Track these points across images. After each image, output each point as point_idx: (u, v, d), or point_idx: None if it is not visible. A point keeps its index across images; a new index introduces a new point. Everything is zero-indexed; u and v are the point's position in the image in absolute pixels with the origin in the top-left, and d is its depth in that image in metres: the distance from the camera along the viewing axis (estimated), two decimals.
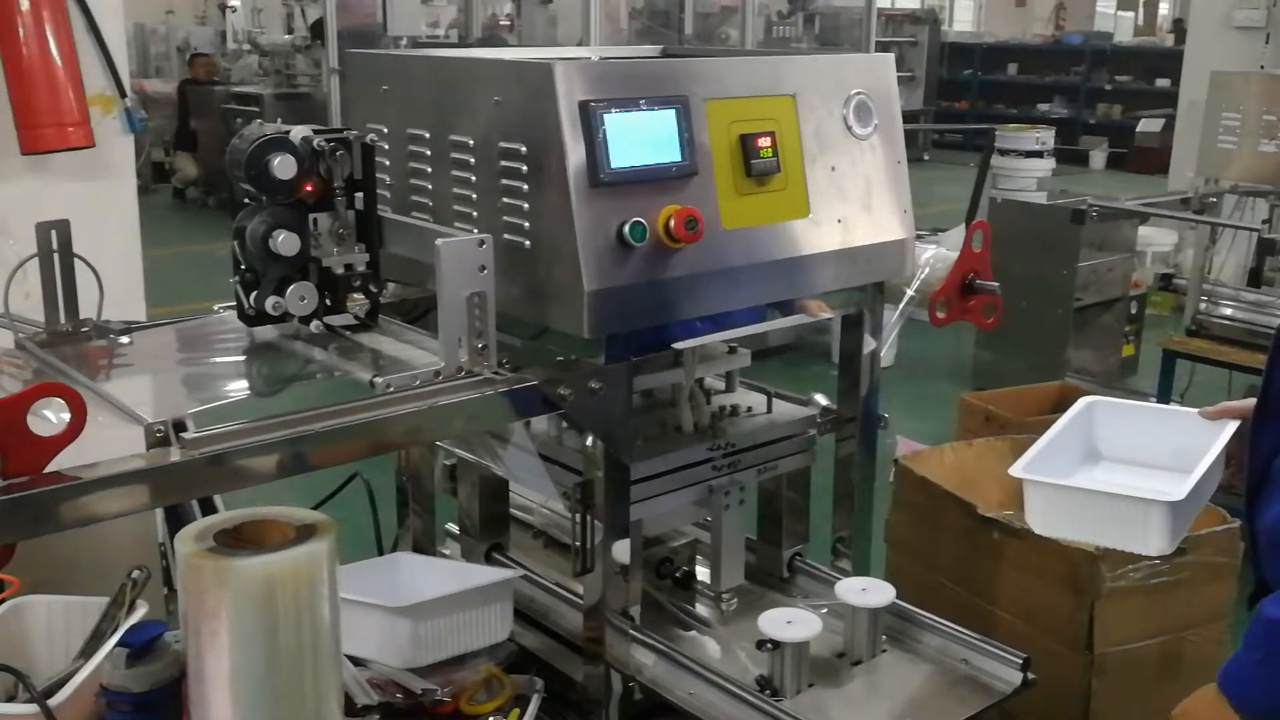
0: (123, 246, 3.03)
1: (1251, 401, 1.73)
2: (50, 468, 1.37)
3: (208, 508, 2.19)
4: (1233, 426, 1.77)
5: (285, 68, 11.83)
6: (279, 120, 1.82)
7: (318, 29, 10.36)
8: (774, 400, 2.18)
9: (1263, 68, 6.71)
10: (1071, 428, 1.89)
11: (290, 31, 12.40)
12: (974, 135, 15.33)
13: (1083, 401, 1.95)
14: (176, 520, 1.96)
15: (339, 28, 7.07)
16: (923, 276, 2.11)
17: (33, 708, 1.47)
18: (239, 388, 1.74)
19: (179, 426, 1.44)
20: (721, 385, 2.21)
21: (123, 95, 3.01)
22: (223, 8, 14.10)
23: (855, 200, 1.98)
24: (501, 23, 11.42)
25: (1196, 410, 1.84)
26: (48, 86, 2.79)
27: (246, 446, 1.43)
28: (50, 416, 1.37)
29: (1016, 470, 1.72)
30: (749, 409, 2.16)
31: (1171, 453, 1.82)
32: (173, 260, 7.72)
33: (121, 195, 3.08)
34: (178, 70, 13.40)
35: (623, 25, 9.83)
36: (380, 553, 2.35)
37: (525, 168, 1.73)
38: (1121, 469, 1.88)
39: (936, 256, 2.14)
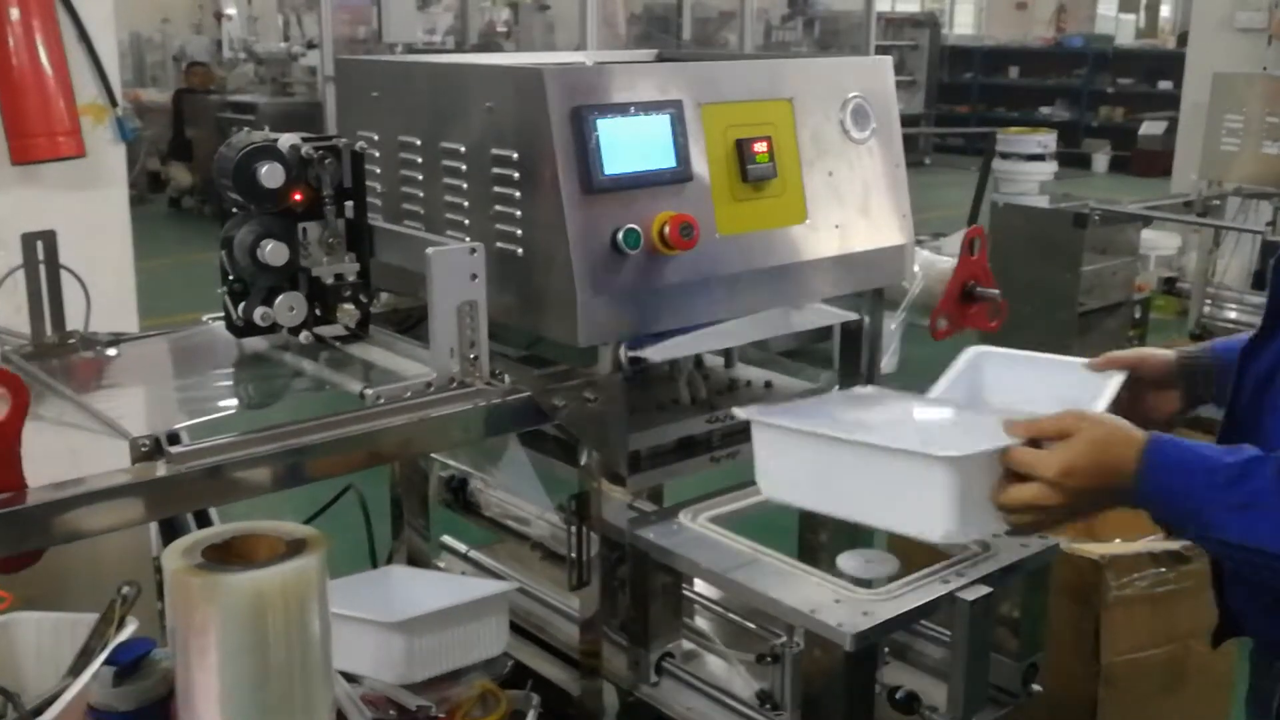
0: (115, 256, 3.01)
1: (1139, 353, 1.73)
2: (36, 482, 1.35)
3: (202, 521, 2.17)
4: (1119, 378, 1.69)
5: (281, 76, 11.84)
6: (266, 128, 1.79)
7: None
8: (775, 376, 2.17)
9: (1265, 69, 6.69)
10: (960, 381, 1.76)
11: (286, 40, 12.41)
12: (975, 139, 15.31)
13: (970, 351, 1.80)
14: (172, 534, 1.94)
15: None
16: (918, 285, 2.09)
17: None
18: (227, 400, 1.72)
19: (171, 439, 1.42)
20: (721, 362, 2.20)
21: (114, 104, 2.99)
22: (219, 16, 14.11)
23: (853, 205, 1.95)
24: (499, 29, 11.43)
25: (1083, 361, 1.76)
26: (38, 96, 2.77)
27: (233, 460, 1.41)
28: None
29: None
30: (748, 383, 2.14)
31: (1056, 404, 1.64)
32: (168, 270, 7.70)
33: (113, 205, 3.06)
34: (173, 79, 13.40)
35: (620, 31, 9.83)
36: (374, 566, 2.33)
37: (517, 175, 1.71)
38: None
39: (925, 262, 2.11)
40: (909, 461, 1.42)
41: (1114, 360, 1.72)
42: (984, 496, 1.42)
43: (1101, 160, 15.66)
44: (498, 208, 1.75)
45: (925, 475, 1.40)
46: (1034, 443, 1.42)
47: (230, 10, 13.76)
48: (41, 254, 1.82)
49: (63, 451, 1.46)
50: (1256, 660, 1.63)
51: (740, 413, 1.57)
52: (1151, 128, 14.58)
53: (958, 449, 1.41)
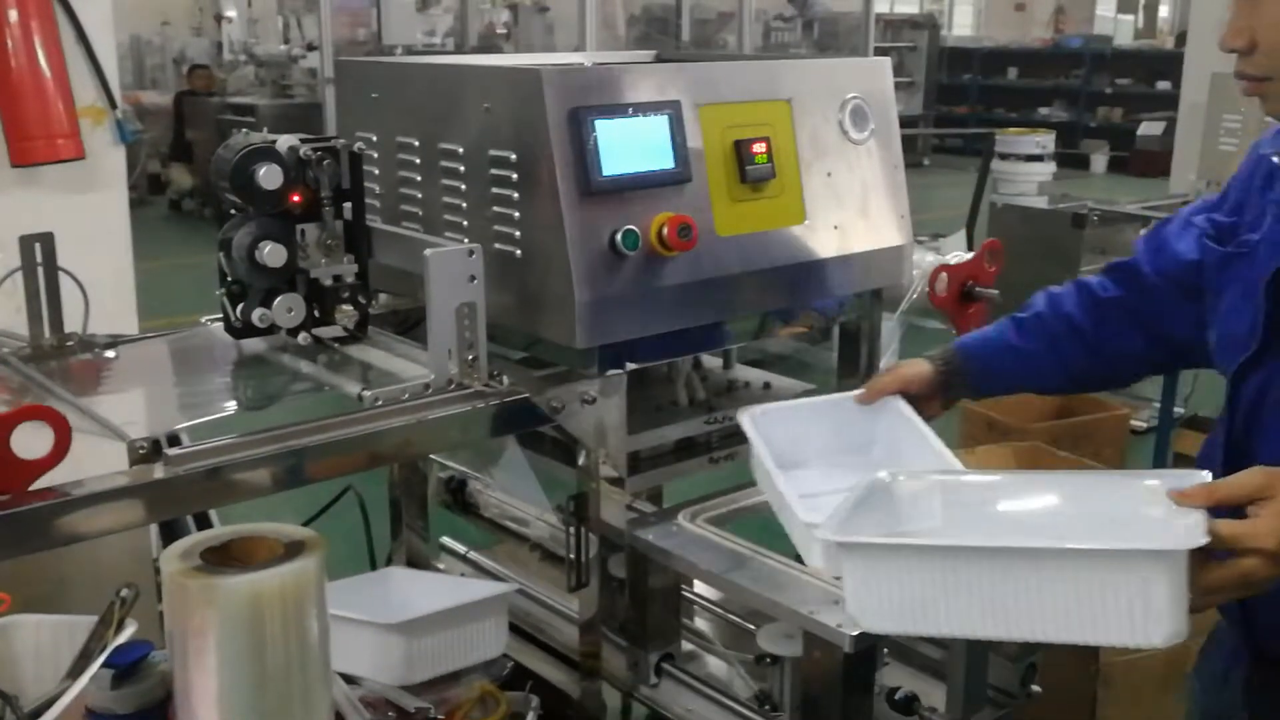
0: (114, 258, 3.02)
1: (900, 376, 1.74)
2: (33, 485, 1.35)
3: (203, 523, 2.17)
4: (899, 403, 1.72)
5: (281, 78, 11.84)
6: (265, 130, 1.79)
7: None
8: (773, 377, 2.18)
9: None
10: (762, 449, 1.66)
11: (286, 42, 12.41)
12: (974, 140, 15.30)
13: (745, 417, 1.71)
14: (172, 536, 1.94)
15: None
16: (917, 285, 2.09)
17: None
18: (225, 402, 1.72)
19: (170, 441, 1.42)
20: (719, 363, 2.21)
21: (113, 107, 2.99)
22: (219, 19, 14.11)
23: (852, 206, 1.95)
24: (498, 31, 11.43)
25: (853, 395, 1.76)
26: (37, 99, 2.78)
27: (231, 462, 1.41)
28: (34, 439, 1.34)
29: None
30: (746, 384, 2.15)
31: (868, 443, 1.68)
32: (168, 272, 7.70)
33: (113, 207, 3.06)
34: (173, 82, 13.41)
35: (620, 32, 9.84)
36: (373, 567, 2.33)
37: (515, 176, 1.71)
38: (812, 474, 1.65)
39: (924, 263, 2.11)
40: (1121, 564, 1.18)
41: (883, 388, 1.75)
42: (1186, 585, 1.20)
43: (1100, 161, 15.67)
44: (496, 209, 1.75)
45: (1144, 577, 1.17)
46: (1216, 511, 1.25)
47: (230, 13, 13.76)
48: (39, 256, 1.82)
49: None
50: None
51: (829, 536, 1.32)
52: (1150, 128, 14.59)
53: (1159, 541, 1.20)
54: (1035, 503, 1.45)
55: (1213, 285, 1.57)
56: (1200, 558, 1.20)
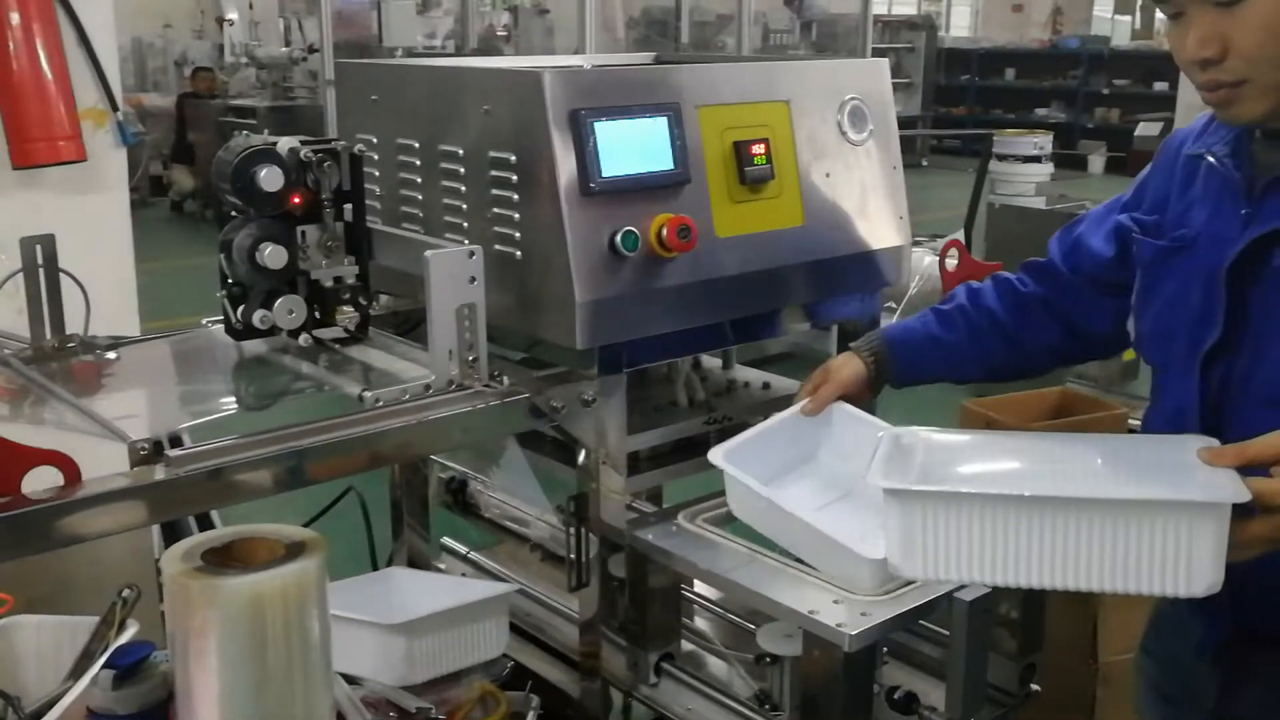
0: (115, 260, 3.02)
1: (839, 381, 1.81)
2: (36, 486, 1.35)
3: (204, 524, 2.18)
4: (843, 406, 1.80)
5: (282, 80, 11.85)
6: (266, 132, 1.80)
7: None
8: (772, 377, 2.19)
9: None
10: (736, 482, 1.71)
11: (288, 44, 12.42)
12: (972, 140, 15.32)
13: (716, 457, 1.72)
14: (174, 536, 1.94)
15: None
16: (916, 286, 2.10)
17: None
18: (226, 403, 1.72)
19: (172, 441, 1.42)
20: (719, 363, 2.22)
21: (115, 109, 3.00)
22: (220, 21, 14.12)
23: (851, 207, 1.96)
24: (498, 33, 11.44)
25: (799, 410, 1.81)
26: (38, 101, 2.78)
27: (232, 463, 1.41)
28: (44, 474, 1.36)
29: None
30: (746, 384, 2.15)
31: (836, 457, 1.76)
32: (170, 273, 7.71)
33: (114, 209, 3.07)
34: (175, 84, 13.42)
35: (619, 35, 9.85)
36: (374, 568, 2.33)
37: (515, 177, 1.72)
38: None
39: (923, 264, 2.12)
40: (1171, 514, 1.22)
41: (825, 398, 1.82)
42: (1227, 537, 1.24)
43: (1097, 161, 15.68)
44: (496, 210, 1.76)
45: (1191, 527, 1.21)
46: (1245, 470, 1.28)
47: (232, 15, 13.77)
48: (41, 258, 1.82)
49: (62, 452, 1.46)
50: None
51: (876, 483, 1.33)
52: (1147, 129, 14.60)
53: (1208, 494, 1.23)
54: (1069, 459, 1.47)
55: (1145, 279, 1.62)
56: (1237, 513, 1.23)
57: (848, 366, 1.84)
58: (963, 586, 1.56)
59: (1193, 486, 1.26)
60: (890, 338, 1.87)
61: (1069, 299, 1.80)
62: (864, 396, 1.86)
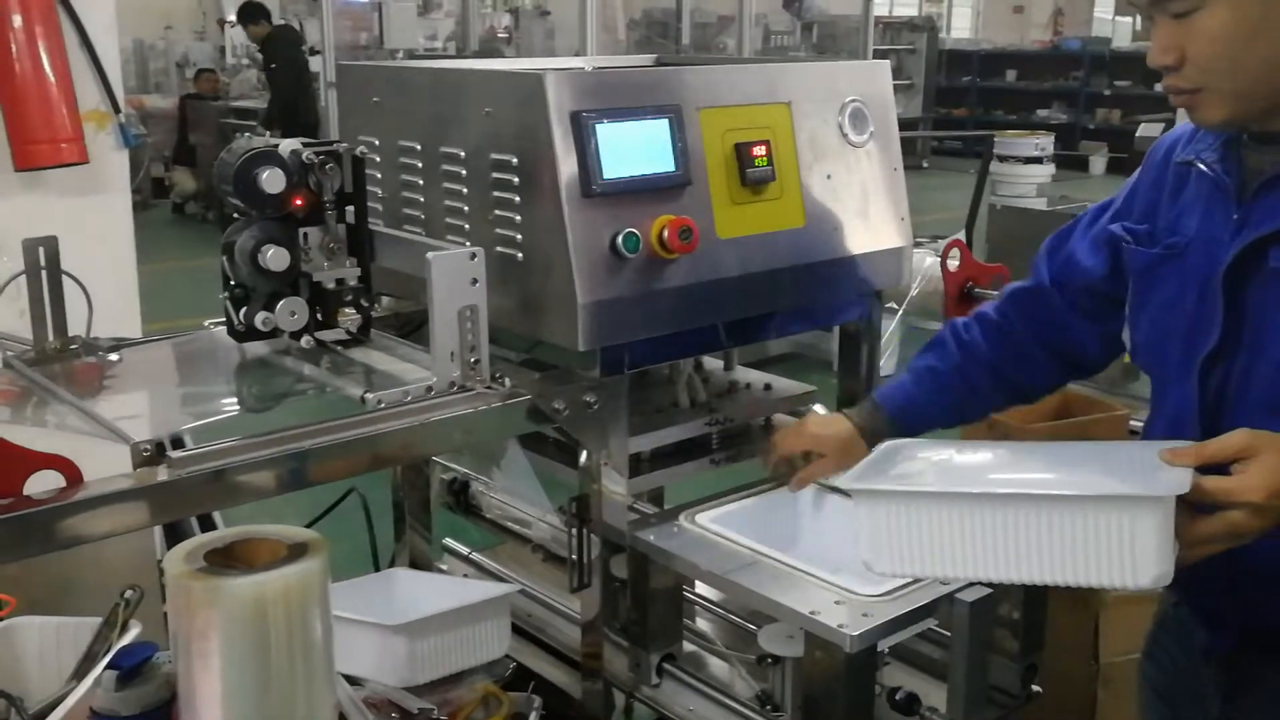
0: (117, 262, 3.02)
1: (835, 455, 1.83)
2: (39, 487, 1.35)
3: (207, 525, 2.18)
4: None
5: None
6: (268, 134, 1.80)
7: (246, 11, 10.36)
8: (774, 378, 2.19)
9: None
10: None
11: None
12: (973, 142, 15.32)
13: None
14: (176, 537, 1.94)
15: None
16: (917, 287, 2.10)
17: None
18: (228, 405, 1.72)
19: (174, 443, 1.42)
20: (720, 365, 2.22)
21: (116, 111, 3.00)
22: (222, 23, 14.13)
23: (852, 208, 1.96)
24: (499, 35, 11.45)
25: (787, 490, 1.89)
26: (41, 103, 2.78)
27: (233, 465, 1.41)
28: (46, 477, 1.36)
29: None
30: (747, 385, 2.16)
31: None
32: (171, 275, 7.71)
33: (116, 211, 3.06)
34: (176, 86, 13.42)
35: (620, 36, 9.85)
36: (376, 569, 2.33)
37: (517, 179, 1.72)
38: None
39: (924, 265, 2.13)
40: (1113, 508, 1.26)
41: (811, 477, 1.86)
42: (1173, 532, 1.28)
43: (1099, 162, 15.67)
44: (498, 212, 1.76)
45: (1133, 520, 1.25)
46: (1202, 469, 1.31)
47: (233, 17, 13.79)
48: (43, 260, 1.82)
49: (65, 456, 1.46)
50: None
51: (846, 485, 1.43)
52: (1148, 129, 14.54)
53: (1147, 488, 1.27)
54: (1038, 461, 1.52)
55: (1138, 288, 1.62)
56: (1188, 512, 1.28)
57: (838, 439, 1.85)
58: (966, 587, 1.58)
59: (1137, 483, 1.30)
60: (892, 412, 1.85)
61: (1057, 329, 1.79)
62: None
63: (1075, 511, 1.27)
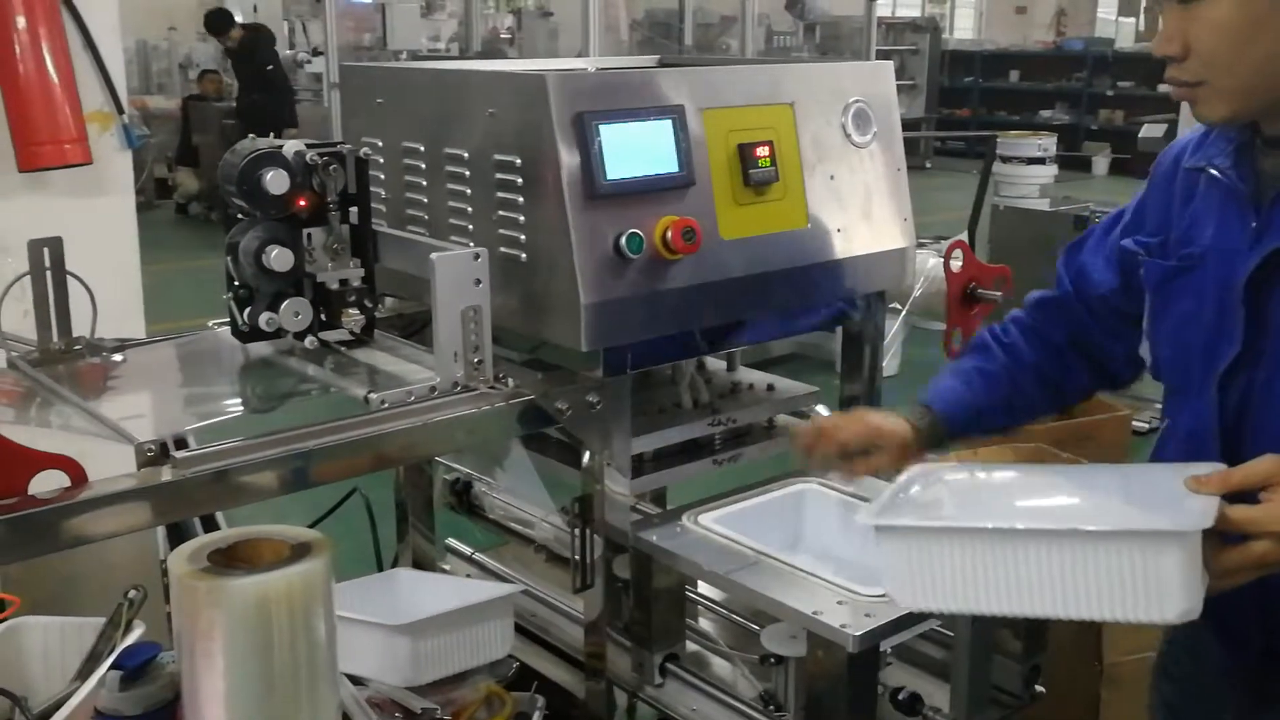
0: (121, 262, 3.02)
1: (896, 452, 1.74)
2: (43, 487, 1.36)
3: (210, 525, 2.18)
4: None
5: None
6: (271, 135, 1.80)
7: (216, 20, 10.38)
8: (777, 379, 2.19)
9: None
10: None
11: (292, 47, 12.44)
12: (976, 142, 15.31)
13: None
14: (179, 538, 1.95)
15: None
16: (920, 288, 2.10)
17: None
18: (232, 405, 1.73)
19: (178, 443, 1.42)
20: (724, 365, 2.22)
21: (120, 112, 3.00)
22: None
23: (855, 209, 1.96)
24: (502, 35, 11.46)
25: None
26: (44, 104, 2.78)
27: (237, 465, 1.41)
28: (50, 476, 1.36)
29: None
30: (750, 386, 2.16)
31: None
32: (175, 275, 7.73)
33: (120, 211, 3.07)
34: (180, 87, 13.44)
35: (623, 37, 9.86)
36: (380, 569, 2.34)
37: (520, 180, 1.72)
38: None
39: (927, 266, 2.13)
40: (1137, 544, 1.24)
41: (865, 470, 1.76)
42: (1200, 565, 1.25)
43: (1102, 163, 15.67)
44: (501, 213, 1.76)
45: (1159, 555, 1.22)
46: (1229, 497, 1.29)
47: (236, 18, 13.81)
48: (47, 260, 1.83)
49: (69, 456, 1.47)
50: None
51: (866, 520, 1.39)
52: (1151, 130, 14.54)
53: (1173, 523, 1.24)
54: (1057, 493, 1.50)
55: (1154, 301, 1.60)
56: (1217, 541, 1.24)
57: (900, 438, 1.75)
58: None
59: (1162, 516, 1.27)
60: (947, 417, 1.78)
61: (1085, 333, 1.77)
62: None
63: (1099, 547, 1.25)
